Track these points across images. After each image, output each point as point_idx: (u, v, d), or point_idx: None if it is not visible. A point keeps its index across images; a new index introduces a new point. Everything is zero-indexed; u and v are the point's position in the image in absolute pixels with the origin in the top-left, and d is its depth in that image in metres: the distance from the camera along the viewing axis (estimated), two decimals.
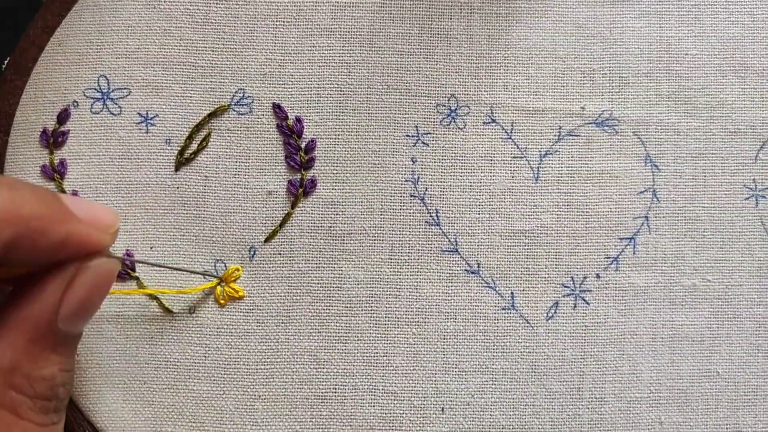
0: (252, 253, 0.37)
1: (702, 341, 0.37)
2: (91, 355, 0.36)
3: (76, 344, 0.31)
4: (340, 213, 0.37)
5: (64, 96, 0.38)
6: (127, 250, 0.37)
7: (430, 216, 0.38)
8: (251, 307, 0.37)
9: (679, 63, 0.38)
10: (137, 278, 0.37)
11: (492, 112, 0.38)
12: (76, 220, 0.29)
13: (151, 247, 0.37)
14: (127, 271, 0.37)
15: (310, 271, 0.37)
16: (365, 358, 0.37)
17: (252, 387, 0.37)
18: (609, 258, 0.38)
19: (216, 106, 0.38)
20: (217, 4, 0.38)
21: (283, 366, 0.37)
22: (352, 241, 0.37)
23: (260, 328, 0.37)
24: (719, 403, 0.37)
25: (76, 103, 0.38)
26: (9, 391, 0.28)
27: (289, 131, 0.38)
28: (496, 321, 0.37)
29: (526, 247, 0.38)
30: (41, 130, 0.37)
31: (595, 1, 0.38)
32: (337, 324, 0.37)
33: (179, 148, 0.37)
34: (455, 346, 0.37)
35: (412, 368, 0.37)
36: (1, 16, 0.44)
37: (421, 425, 0.37)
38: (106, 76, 0.38)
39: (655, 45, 0.38)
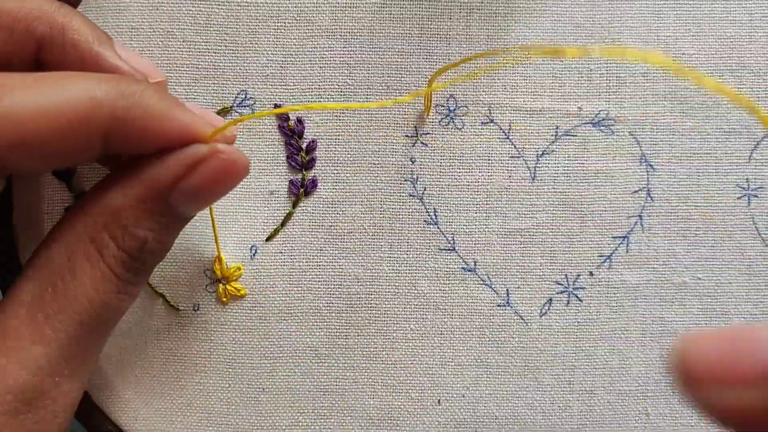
0: (253, 252, 0.38)
1: None
2: (104, 351, 0.38)
3: (179, 226, 0.32)
4: (341, 212, 0.38)
5: None
6: None
7: (429, 215, 0.39)
8: (253, 305, 0.38)
9: (676, 63, 0.38)
10: None
11: (490, 113, 0.39)
12: (186, 110, 0.31)
13: None
14: None
15: (310, 269, 0.38)
16: (365, 352, 0.38)
17: (256, 380, 0.38)
18: (602, 256, 0.39)
19: (219, 108, 0.38)
20: (219, 5, 0.38)
21: (285, 360, 0.38)
22: (352, 240, 0.38)
23: (263, 324, 0.38)
24: None
25: None
26: (103, 232, 0.30)
27: (290, 132, 0.38)
28: (492, 317, 0.38)
29: (522, 246, 0.39)
30: None
31: (593, 1, 0.38)
32: (338, 320, 0.38)
33: None
34: (452, 341, 0.38)
35: (410, 362, 0.38)
36: None
37: (419, 416, 0.38)
38: None
39: (652, 45, 0.38)
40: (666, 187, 0.38)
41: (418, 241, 0.38)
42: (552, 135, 0.39)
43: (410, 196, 0.39)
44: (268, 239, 0.38)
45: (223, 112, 0.38)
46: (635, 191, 0.38)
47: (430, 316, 0.38)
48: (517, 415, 0.38)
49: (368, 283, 0.38)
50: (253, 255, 0.38)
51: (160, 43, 0.38)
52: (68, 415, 0.30)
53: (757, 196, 0.38)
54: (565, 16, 0.38)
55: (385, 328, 0.38)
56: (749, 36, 0.38)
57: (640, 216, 0.38)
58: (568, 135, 0.39)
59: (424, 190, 0.39)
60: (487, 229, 0.38)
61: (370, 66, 0.38)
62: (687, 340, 0.21)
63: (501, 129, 0.39)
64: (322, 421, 0.38)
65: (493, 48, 0.38)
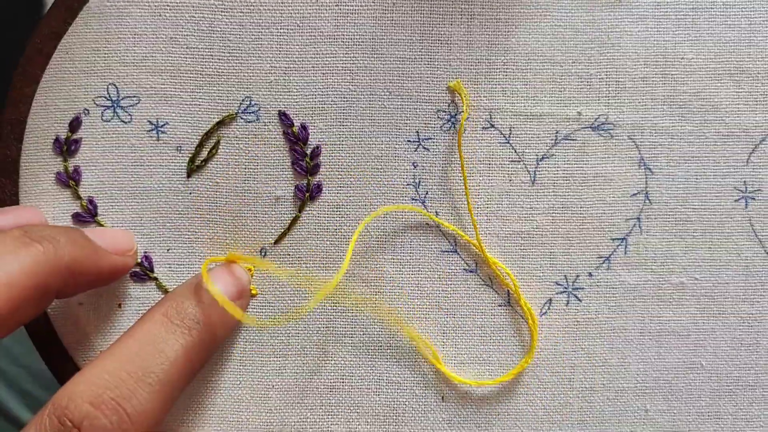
0: (263, 254, 0.39)
1: (688, 336, 0.39)
2: None
3: None
4: (345, 216, 0.39)
5: (74, 104, 0.39)
6: (146, 252, 0.39)
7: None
8: (263, 304, 0.39)
9: (675, 67, 0.39)
10: (156, 278, 0.39)
11: (491, 117, 0.39)
12: (105, 253, 0.35)
13: (168, 249, 0.39)
14: (145, 272, 0.39)
15: (317, 270, 0.39)
16: (370, 350, 0.40)
17: (266, 378, 0.40)
18: (601, 258, 0.39)
19: (224, 114, 0.39)
20: (222, 12, 0.38)
21: (294, 358, 0.39)
22: (356, 242, 0.39)
23: (272, 323, 0.39)
24: (702, 393, 0.39)
25: (86, 111, 0.39)
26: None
27: (295, 138, 0.39)
28: (493, 317, 0.39)
29: (522, 248, 0.39)
30: (54, 138, 0.39)
31: (593, 6, 0.39)
32: (344, 319, 0.39)
33: (190, 155, 0.39)
34: (454, 340, 0.40)
35: (414, 360, 0.40)
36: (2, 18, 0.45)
37: (423, 413, 0.40)
38: (115, 84, 0.39)
39: (651, 49, 0.39)
40: (664, 189, 0.39)
41: (421, 243, 0.39)
42: (552, 139, 0.39)
43: (413, 200, 0.39)
44: (276, 242, 0.39)
45: (228, 118, 0.39)
46: (634, 194, 0.39)
47: (433, 316, 0.39)
48: (518, 411, 0.40)
49: (373, 284, 0.39)
50: (263, 257, 0.39)
51: (164, 49, 0.39)
52: None
53: (754, 199, 0.39)
54: (565, 21, 0.39)
55: (389, 327, 0.39)
56: (748, 40, 0.39)
57: (638, 218, 0.39)
58: (567, 139, 0.39)
59: (426, 194, 0.39)
60: (487, 232, 0.39)
61: (372, 72, 0.39)
62: None
63: (502, 134, 0.39)
64: (330, 417, 0.40)
65: (494, 54, 0.39)
